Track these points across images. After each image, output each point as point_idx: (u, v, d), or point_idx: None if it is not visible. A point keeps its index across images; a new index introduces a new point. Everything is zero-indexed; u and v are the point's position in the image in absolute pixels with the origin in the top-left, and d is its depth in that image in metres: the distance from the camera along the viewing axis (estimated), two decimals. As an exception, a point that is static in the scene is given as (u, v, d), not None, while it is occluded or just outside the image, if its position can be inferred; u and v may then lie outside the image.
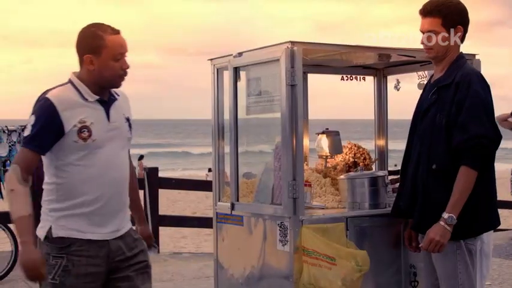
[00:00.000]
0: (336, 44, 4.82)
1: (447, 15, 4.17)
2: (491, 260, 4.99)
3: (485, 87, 4.12)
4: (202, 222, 12.13)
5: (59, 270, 3.64)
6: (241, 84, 4.98)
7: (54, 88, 3.72)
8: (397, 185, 4.68)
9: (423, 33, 4.26)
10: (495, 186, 4.24)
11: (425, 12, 4.24)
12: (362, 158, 5.48)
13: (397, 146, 7.93)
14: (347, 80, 5.77)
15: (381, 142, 6.07)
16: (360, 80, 5.85)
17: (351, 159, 5.43)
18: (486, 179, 4.13)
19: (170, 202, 21.75)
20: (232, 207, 5.00)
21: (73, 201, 3.67)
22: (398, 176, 4.58)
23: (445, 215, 4.00)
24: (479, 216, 4.11)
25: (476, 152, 3.98)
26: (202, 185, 12.93)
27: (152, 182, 10.90)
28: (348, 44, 4.90)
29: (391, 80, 5.89)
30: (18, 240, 3.60)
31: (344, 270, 4.33)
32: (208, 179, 21.06)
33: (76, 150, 3.65)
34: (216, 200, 5.37)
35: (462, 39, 4.26)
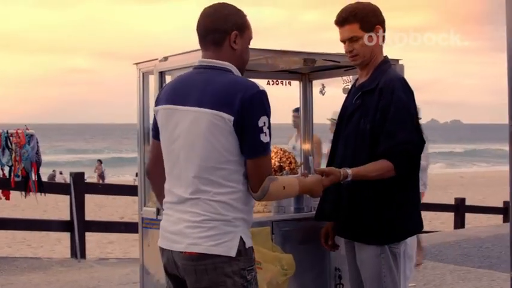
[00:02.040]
0: (261, 49, 4.83)
1: (363, 19, 4.21)
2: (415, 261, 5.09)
3: (408, 92, 4.17)
4: (130, 228, 12.00)
5: (255, 284, 3.35)
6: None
7: (240, 78, 3.36)
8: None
9: (344, 42, 4.30)
10: (419, 192, 4.31)
11: (341, 21, 4.26)
12: (288, 162, 5.51)
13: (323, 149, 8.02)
14: (273, 84, 5.80)
15: (306, 146, 6.12)
16: (285, 84, 5.89)
17: (277, 164, 5.45)
18: (410, 186, 4.20)
19: (97, 207, 21.50)
20: (158, 212, 4.97)
21: (251, 206, 3.39)
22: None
23: (349, 171, 4.01)
24: (403, 222, 4.17)
25: (402, 157, 4.04)
26: (130, 190, 12.80)
27: (78, 187, 10.75)
28: (273, 49, 4.92)
29: (317, 84, 5.95)
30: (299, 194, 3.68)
31: (269, 273, 4.34)
32: (136, 183, 20.88)
33: None
34: (142, 205, 5.33)
35: (383, 39, 4.32)
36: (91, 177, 34.24)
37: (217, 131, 3.20)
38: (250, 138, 3.19)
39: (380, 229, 4.11)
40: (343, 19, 4.25)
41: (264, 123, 3.19)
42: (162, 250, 3.41)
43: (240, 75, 3.40)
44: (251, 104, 3.17)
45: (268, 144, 3.22)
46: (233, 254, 3.21)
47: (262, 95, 3.22)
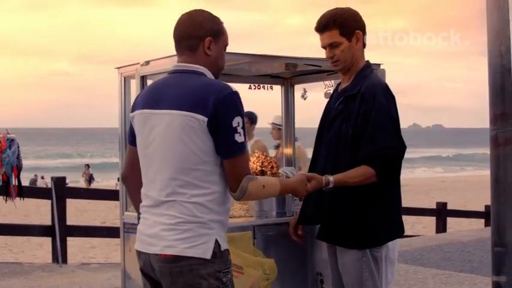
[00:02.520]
0: (243, 53, 4.84)
1: (343, 24, 4.23)
2: (398, 266, 5.09)
3: (390, 97, 4.19)
4: (112, 232, 11.97)
5: (231, 286, 3.35)
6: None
7: (213, 80, 3.40)
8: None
9: (325, 48, 4.32)
10: (400, 199, 4.32)
11: (321, 27, 4.28)
12: (269, 166, 5.51)
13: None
14: (255, 89, 5.81)
15: (288, 150, 6.13)
16: (267, 89, 5.90)
17: (259, 168, 5.45)
18: (391, 193, 4.21)
19: (79, 212, 21.45)
20: (139, 217, 4.94)
21: (228, 208, 3.42)
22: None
23: (331, 178, 4.05)
24: (384, 226, 4.18)
25: (383, 163, 4.06)
26: (111, 195, 12.77)
27: (59, 192, 10.71)
28: (255, 53, 4.93)
29: (299, 89, 5.96)
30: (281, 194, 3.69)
31: (251, 278, 4.34)
32: (118, 188, 20.85)
33: None
34: (123, 210, 5.32)
35: (364, 44, 4.34)
36: (73, 181, 34.21)
37: (192, 133, 3.24)
38: (225, 139, 3.24)
39: (361, 234, 4.12)
40: (323, 25, 4.28)
41: (238, 123, 3.24)
42: (139, 253, 3.43)
43: (214, 78, 3.44)
44: (224, 105, 3.22)
45: (243, 144, 3.27)
46: (208, 256, 3.24)
47: (235, 96, 3.28)
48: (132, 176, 3.62)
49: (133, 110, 3.54)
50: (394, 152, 4.10)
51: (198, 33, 3.41)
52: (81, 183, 36.79)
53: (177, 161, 3.26)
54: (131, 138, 3.57)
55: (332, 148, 4.25)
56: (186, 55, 3.44)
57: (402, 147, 4.15)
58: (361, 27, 4.29)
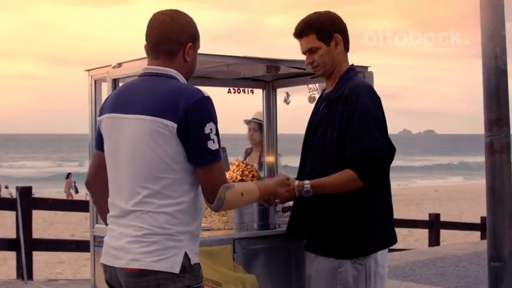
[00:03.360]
0: (222, 55, 4.84)
1: (320, 28, 4.31)
2: (388, 281, 5.08)
3: (374, 99, 4.23)
4: (81, 246, 11.88)
5: None
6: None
7: (185, 84, 3.41)
8: (287, 204, 4.75)
9: (305, 54, 4.39)
10: (390, 203, 4.33)
11: (298, 33, 4.38)
12: (250, 175, 5.49)
13: (289, 161, 8.00)
14: (234, 93, 5.81)
15: (270, 158, 6.13)
16: (248, 93, 5.90)
17: (239, 177, 5.44)
18: (378, 196, 4.22)
19: (46, 224, 21.34)
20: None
21: (198, 219, 3.41)
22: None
23: (306, 181, 4.14)
24: (370, 232, 4.18)
25: (367, 165, 4.08)
26: (81, 206, 12.70)
27: (25, 202, 10.64)
28: (234, 55, 4.94)
29: (281, 93, 5.96)
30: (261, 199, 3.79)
31: (231, 295, 4.34)
32: (88, 198, 20.72)
33: None
34: (94, 222, 5.30)
35: (346, 47, 4.38)
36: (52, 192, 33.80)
37: (160, 139, 3.24)
38: (198, 147, 3.25)
39: (341, 239, 4.12)
40: (300, 31, 4.37)
41: (211, 129, 3.26)
42: (105, 267, 3.44)
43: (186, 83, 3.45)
44: (195, 110, 3.23)
45: (217, 151, 3.28)
46: (176, 270, 3.24)
47: (207, 101, 3.29)
48: (96, 182, 3.64)
49: (101, 114, 3.54)
50: (381, 154, 4.12)
51: (179, 38, 3.43)
52: (59, 194, 36.37)
53: (145, 168, 3.27)
54: (98, 142, 3.58)
55: (317, 155, 4.29)
56: (162, 59, 3.44)
57: (391, 150, 4.17)
58: (340, 30, 4.36)
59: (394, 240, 4.35)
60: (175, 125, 3.22)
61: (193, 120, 3.22)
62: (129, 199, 3.31)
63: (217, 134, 3.29)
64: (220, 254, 4.50)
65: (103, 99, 5.26)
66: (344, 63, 4.38)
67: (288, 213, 4.70)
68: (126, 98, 3.42)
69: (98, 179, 3.60)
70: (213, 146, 3.26)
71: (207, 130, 3.23)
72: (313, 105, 4.68)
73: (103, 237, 4.98)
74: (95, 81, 5.38)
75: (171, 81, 3.37)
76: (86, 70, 5.48)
